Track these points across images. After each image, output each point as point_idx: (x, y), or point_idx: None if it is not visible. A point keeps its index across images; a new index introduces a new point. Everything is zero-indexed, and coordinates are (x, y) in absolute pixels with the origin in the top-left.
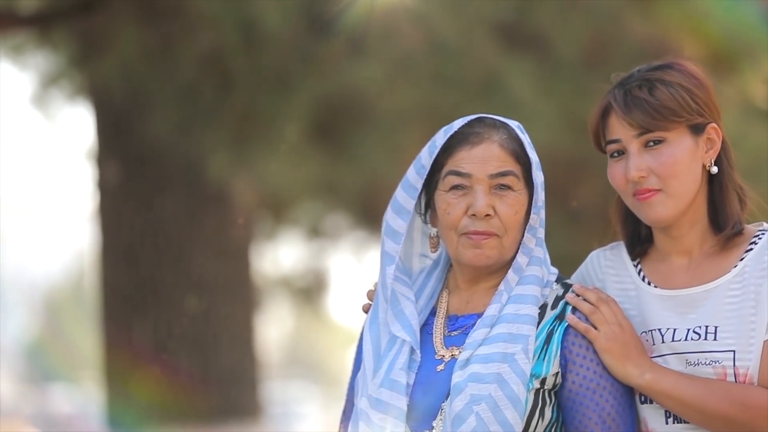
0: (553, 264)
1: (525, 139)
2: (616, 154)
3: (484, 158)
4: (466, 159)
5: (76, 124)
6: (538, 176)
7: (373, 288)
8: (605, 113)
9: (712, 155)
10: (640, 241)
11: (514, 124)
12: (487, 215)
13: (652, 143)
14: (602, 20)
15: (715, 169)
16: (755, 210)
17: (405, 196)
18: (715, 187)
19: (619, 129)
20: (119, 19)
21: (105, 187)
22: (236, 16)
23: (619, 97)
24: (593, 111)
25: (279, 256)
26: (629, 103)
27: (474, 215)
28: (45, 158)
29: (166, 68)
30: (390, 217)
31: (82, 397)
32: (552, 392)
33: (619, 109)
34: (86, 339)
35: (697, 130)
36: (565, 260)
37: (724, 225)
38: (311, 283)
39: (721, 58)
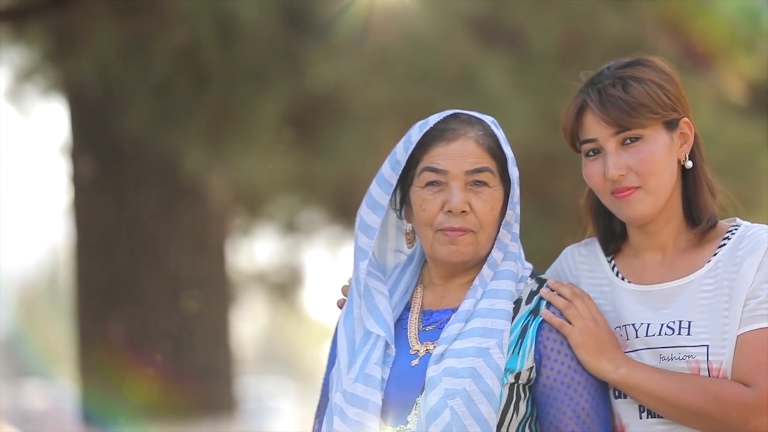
0: (527, 259)
1: (500, 134)
2: (591, 153)
3: (460, 155)
4: (441, 155)
5: (51, 119)
6: (514, 172)
7: (347, 283)
8: (579, 113)
9: (686, 149)
10: (614, 237)
11: (488, 119)
12: (463, 212)
13: (629, 141)
14: (577, 16)
15: (689, 164)
16: (725, 206)
17: (379, 191)
18: (689, 181)
19: (596, 128)
20: (94, 14)
21: (79, 182)
22: (211, 11)
23: (594, 96)
24: (566, 111)
25: (254, 251)
26: (605, 101)
27: (450, 211)
28: (19, 153)
29: (141, 63)
30: (364, 213)
31: (57, 392)
32: (526, 387)
33: (595, 108)
34: (61, 334)
35: (671, 125)
36: (540, 255)
37: (699, 219)
38: (286, 278)
39: (695, 54)
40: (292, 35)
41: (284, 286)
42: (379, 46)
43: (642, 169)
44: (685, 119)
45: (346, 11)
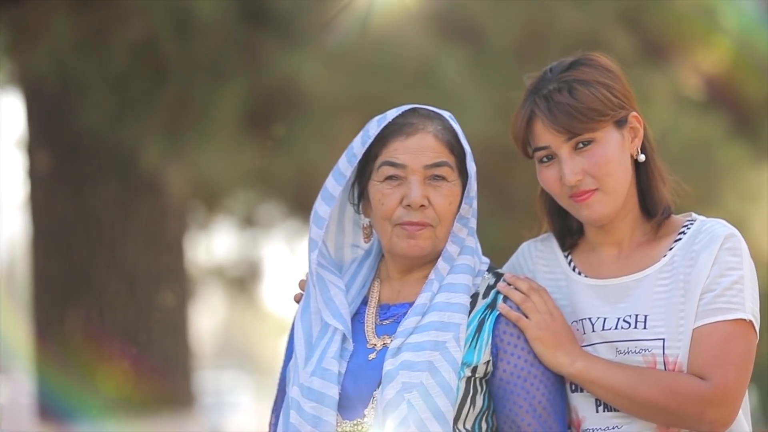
0: (484, 254)
1: (458, 129)
2: (545, 159)
3: (419, 149)
4: (400, 150)
5: (7, 113)
6: (472, 167)
7: (304, 278)
8: (529, 121)
9: (638, 143)
10: (570, 233)
11: (446, 114)
12: (422, 206)
13: (581, 145)
14: (535, 10)
15: (642, 158)
16: (681, 197)
17: (334, 183)
18: (642, 174)
19: (547, 136)
20: (51, 7)
21: (36, 176)
22: (169, 4)
23: (542, 104)
24: (515, 120)
25: (212, 245)
26: (553, 109)
27: (409, 206)
28: None
29: (99, 57)
30: (318, 205)
31: (14, 386)
32: (483, 380)
33: (544, 118)
34: (18, 328)
35: (621, 123)
36: (497, 250)
37: (654, 211)
38: (244, 272)
39: (653, 49)
40: (249, 29)
41: (242, 281)
42: (337, 40)
43: (597, 171)
44: (634, 113)
45: (304, 5)
